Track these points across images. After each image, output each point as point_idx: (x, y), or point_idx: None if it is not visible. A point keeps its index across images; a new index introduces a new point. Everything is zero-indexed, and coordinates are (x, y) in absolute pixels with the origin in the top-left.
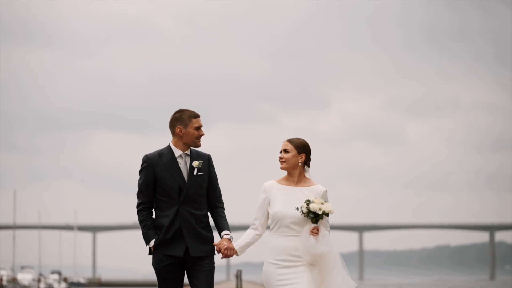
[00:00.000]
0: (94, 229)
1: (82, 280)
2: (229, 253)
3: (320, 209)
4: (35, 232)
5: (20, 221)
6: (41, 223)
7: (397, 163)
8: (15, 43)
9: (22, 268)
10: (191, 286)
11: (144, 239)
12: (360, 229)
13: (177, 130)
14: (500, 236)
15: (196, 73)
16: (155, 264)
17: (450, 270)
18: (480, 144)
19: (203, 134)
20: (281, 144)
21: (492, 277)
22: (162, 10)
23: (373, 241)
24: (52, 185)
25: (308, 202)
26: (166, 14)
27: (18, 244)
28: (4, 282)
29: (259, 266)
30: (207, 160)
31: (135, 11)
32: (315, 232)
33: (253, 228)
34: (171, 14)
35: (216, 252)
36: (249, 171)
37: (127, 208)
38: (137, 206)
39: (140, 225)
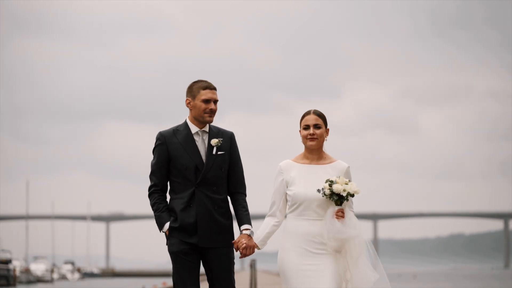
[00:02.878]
0: (107, 219)
1: (95, 270)
2: (248, 252)
3: (344, 190)
4: (48, 223)
5: (33, 211)
6: (54, 214)
7: (410, 152)
8: (28, 34)
9: (35, 258)
10: (207, 277)
11: (157, 223)
12: (375, 217)
13: (186, 102)
14: None
15: (208, 63)
16: (171, 248)
17: (464, 258)
18: (492, 132)
19: (213, 108)
20: (296, 125)
21: (507, 264)
22: (175, 1)
23: (388, 230)
24: (65, 176)
25: (331, 182)
26: (179, 5)
27: (31, 235)
28: (17, 273)
29: (274, 255)
30: (228, 139)
31: (147, 1)
32: (340, 215)
33: (271, 216)
34: (183, 5)
35: (234, 249)
36: (262, 161)
37: (140, 198)
38: (149, 189)
39: (152, 209)
